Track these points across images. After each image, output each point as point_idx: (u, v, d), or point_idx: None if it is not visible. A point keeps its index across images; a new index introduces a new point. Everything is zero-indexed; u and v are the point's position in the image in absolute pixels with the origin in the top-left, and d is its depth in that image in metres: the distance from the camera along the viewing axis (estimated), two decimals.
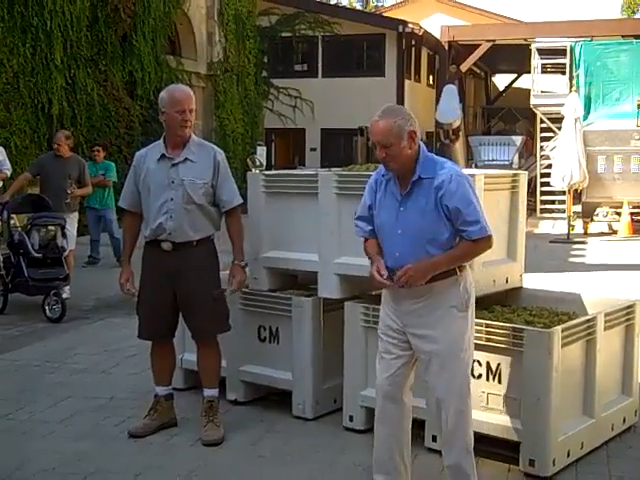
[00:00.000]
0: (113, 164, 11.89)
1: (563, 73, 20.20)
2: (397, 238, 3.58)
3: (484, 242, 3.55)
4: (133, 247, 4.73)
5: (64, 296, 8.11)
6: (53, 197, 8.59)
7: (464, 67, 24.32)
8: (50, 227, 8.25)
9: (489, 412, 4.16)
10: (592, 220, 16.75)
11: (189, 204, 4.49)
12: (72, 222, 8.87)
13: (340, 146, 23.09)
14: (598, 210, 17.06)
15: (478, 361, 4.13)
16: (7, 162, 9.59)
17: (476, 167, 20.44)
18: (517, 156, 22.45)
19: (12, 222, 8.50)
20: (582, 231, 16.26)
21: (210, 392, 4.68)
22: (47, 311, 7.85)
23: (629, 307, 4.66)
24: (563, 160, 15.29)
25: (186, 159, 4.52)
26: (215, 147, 4.70)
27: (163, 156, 4.55)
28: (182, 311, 4.63)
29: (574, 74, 19.30)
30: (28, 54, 13.68)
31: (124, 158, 15.22)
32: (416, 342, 3.61)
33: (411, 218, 3.55)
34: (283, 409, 4.97)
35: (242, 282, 4.68)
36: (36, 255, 8.05)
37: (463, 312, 3.57)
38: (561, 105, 16.56)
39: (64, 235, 8.33)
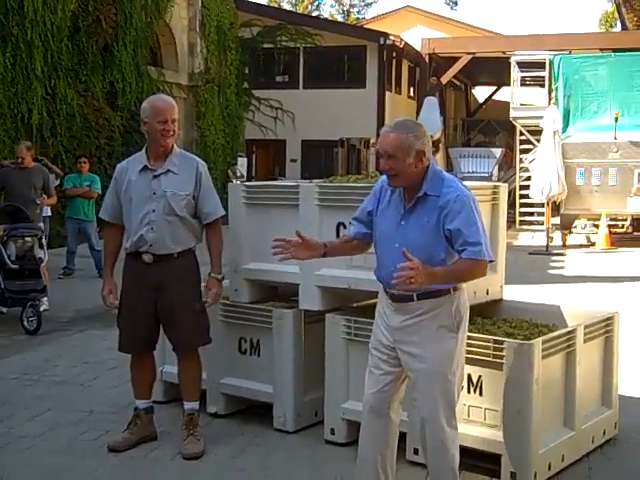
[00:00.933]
0: (97, 177, 11.83)
1: (542, 86, 20.37)
2: (394, 252, 3.49)
3: (480, 264, 3.43)
4: (115, 259, 4.70)
5: (43, 307, 8.05)
6: None
7: (444, 79, 24.46)
8: (27, 238, 8.18)
9: (470, 424, 4.16)
10: (570, 232, 16.87)
11: (170, 216, 4.47)
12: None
13: (321, 157, 23.10)
14: (576, 222, 17.20)
15: None
16: None
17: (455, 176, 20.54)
18: (497, 168, 22.60)
19: None
20: (561, 243, 16.37)
21: (190, 405, 4.64)
22: (25, 322, 7.77)
23: (608, 319, 4.69)
24: (542, 172, 15.40)
25: (168, 170, 4.50)
26: (197, 159, 4.68)
27: (145, 167, 4.53)
28: (163, 323, 4.60)
29: (553, 87, 19.46)
30: (8, 64, 13.60)
31: (104, 169, 15.14)
32: (405, 359, 3.57)
33: (410, 234, 3.49)
34: (264, 422, 4.94)
35: (218, 295, 4.65)
36: (13, 266, 7.97)
37: (453, 332, 3.52)
38: (540, 118, 16.69)
39: (41, 246, 8.27)
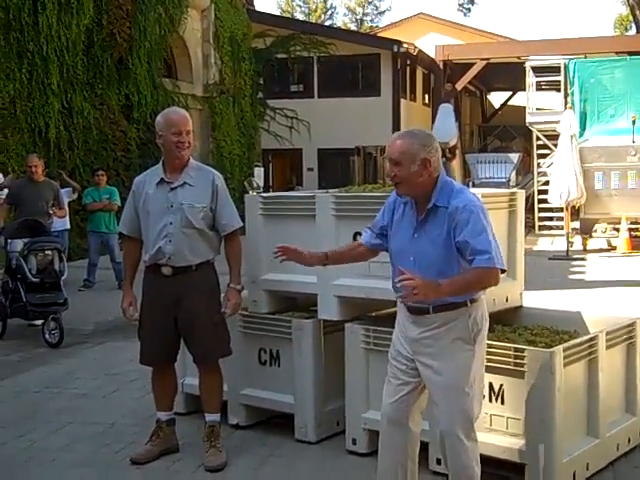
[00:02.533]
0: (116, 189, 11.92)
1: (558, 90, 20.31)
2: (408, 265, 3.47)
3: (489, 273, 3.39)
4: (135, 272, 4.72)
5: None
6: None
7: (459, 85, 24.42)
8: (47, 251, 8.22)
9: (492, 433, 4.13)
10: (591, 236, 16.75)
11: (188, 228, 4.48)
12: None
13: (337, 166, 23.10)
14: (596, 226, 17.07)
15: None
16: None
17: (473, 185, 20.48)
18: (514, 173, 22.50)
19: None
20: (581, 247, 16.26)
21: (212, 417, 4.64)
22: (47, 335, 7.82)
23: (630, 325, 4.64)
24: (560, 177, 15.32)
25: (185, 183, 4.52)
26: (214, 171, 4.69)
27: (162, 180, 4.55)
28: (183, 336, 4.61)
29: (569, 91, 19.39)
30: (24, 79, 13.72)
31: (121, 181, 15.23)
32: (423, 371, 3.56)
33: (424, 247, 3.48)
34: (285, 433, 4.94)
35: (237, 306, 4.65)
36: (34, 280, 8.02)
37: (470, 345, 3.49)
38: (556, 122, 16.62)
39: (61, 259, 8.32)
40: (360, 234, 4.51)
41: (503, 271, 3.49)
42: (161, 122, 4.53)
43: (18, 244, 8.37)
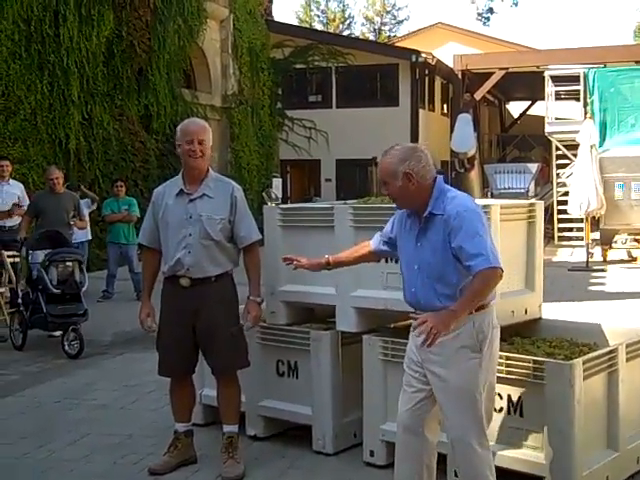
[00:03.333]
0: (135, 200, 11.98)
1: (577, 100, 20.20)
2: (414, 274, 3.59)
3: (489, 274, 3.39)
4: (153, 283, 4.74)
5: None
6: None
7: (478, 95, 24.38)
8: (68, 263, 8.27)
9: (511, 446, 4.11)
10: (611, 247, 16.62)
11: (206, 240, 4.50)
12: None
13: (355, 176, 23.15)
14: (617, 237, 16.94)
15: (499, 394, 4.07)
16: (26, 198, 9.73)
17: (492, 195, 20.43)
18: (533, 184, 22.40)
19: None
20: (601, 259, 16.14)
21: (230, 428, 4.65)
22: (66, 347, 7.86)
23: None
24: (580, 187, 15.22)
25: (204, 195, 4.54)
26: (233, 182, 4.71)
27: (181, 191, 4.57)
28: (201, 347, 4.62)
29: (588, 101, 19.29)
30: (45, 90, 13.84)
31: (140, 192, 15.29)
32: (431, 378, 3.59)
33: (425, 254, 3.56)
34: (303, 444, 4.93)
35: (258, 318, 4.66)
36: (55, 291, 8.06)
37: (476, 353, 3.50)
38: (576, 132, 16.53)
39: (82, 270, 8.37)
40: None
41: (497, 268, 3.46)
42: (178, 132, 4.59)
43: (39, 255, 8.44)
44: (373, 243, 3.99)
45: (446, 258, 3.49)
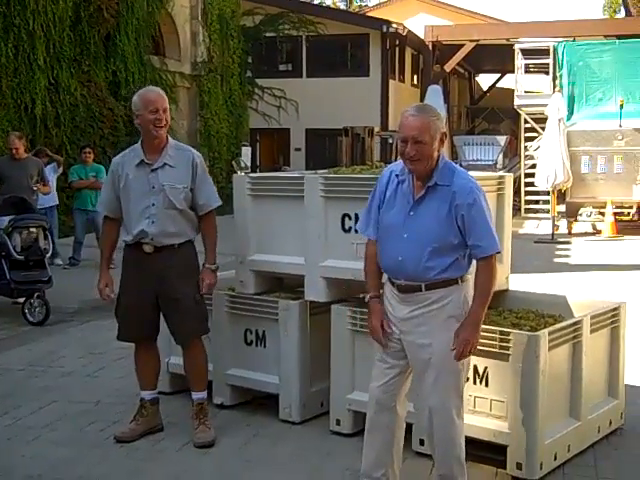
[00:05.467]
0: (102, 167, 11.82)
1: (546, 73, 20.28)
2: (402, 242, 3.52)
3: (492, 263, 3.48)
4: (112, 252, 4.73)
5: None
6: None
7: (448, 67, 24.35)
8: (32, 229, 8.17)
9: (476, 415, 4.16)
10: (576, 220, 16.83)
11: (170, 209, 4.48)
12: None
13: (325, 146, 23.04)
14: (582, 210, 17.15)
15: None
16: None
17: (461, 167, 20.46)
18: (501, 156, 22.51)
19: None
20: (566, 231, 16.34)
21: (199, 395, 4.67)
22: (28, 314, 7.79)
23: (615, 309, 4.68)
24: (547, 160, 15.36)
25: (165, 164, 4.51)
26: (193, 150, 4.68)
27: (142, 162, 4.53)
28: (164, 313, 4.61)
29: (557, 74, 19.38)
30: (10, 54, 13.58)
31: (108, 159, 15.00)
32: (412, 350, 3.57)
33: (420, 223, 3.49)
34: (270, 413, 4.96)
35: (212, 286, 4.64)
36: (18, 257, 7.97)
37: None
38: (545, 105, 16.64)
39: (46, 237, 8.28)
40: (349, 216, 4.55)
41: (497, 253, 3.54)
42: (138, 102, 4.50)
43: (3, 221, 8.32)
44: (370, 234, 3.70)
45: (448, 226, 3.46)
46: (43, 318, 7.75)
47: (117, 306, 4.69)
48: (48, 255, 8.33)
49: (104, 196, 4.74)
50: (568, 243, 15.00)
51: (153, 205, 4.46)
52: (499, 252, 3.50)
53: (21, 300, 8.16)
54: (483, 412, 4.17)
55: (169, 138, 4.59)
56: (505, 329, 4.15)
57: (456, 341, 3.47)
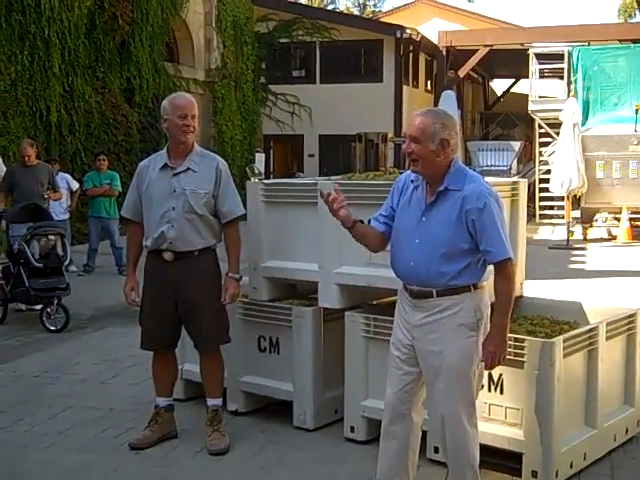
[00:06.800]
0: (117, 174, 11.88)
1: (561, 78, 20.19)
2: (414, 248, 3.51)
3: (510, 270, 3.46)
4: (138, 256, 4.72)
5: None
6: None
7: (462, 72, 24.33)
8: (50, 236, 8.23)
9: (491, 423, 4.14)
10: (591, 226, 16.74)
11: (190, 214, 4.48)
12: None
13: (338, 152, 23.05)
14: (597, 216, 17.05)
15: None
16: (4, 169, 9.65)
17: (477, 173, 20.41)
18: (516, 161, 22.45)
19: None
20: (581, 237, 16.25)
21: (214, 401, 4.67)
22: (46, 322, 7.83)
23: (630, 316, 4.64)
24: (562, 166, 15.29)
25: (188, 169, 4.52)
26: (218, 157, 4.69)
27: (165, 165, 4.55)
28: (183, 321, 4.61)
29: (572, 79, 19.30)
30: (26, 62, 13.68)
31: (122, 166, 15.20)
32: (423, 357, 3.56)
33: (432, 228, 3.49)
34: (284, 420, 4.95)
35: (235, 295, 4.64)
36: (37, 265, 8.01)
37: (473, 331, 3.50)
38: (559, 110, 16.56)
39: (64, 244, 8.32)
40: (362, 223, 4.52)
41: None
42: (167, 106, 4.53)
43: (20, 228, 8.37)
44: (383, 228, 3.71)
45: (458, 231, 3.45)
46: (63, 325, 7.78)
47: (140, 314, 4.70)
48: (66, 262, 8.38)
49: (129, 200, 4.74)
50: (583, 249, 14.92)
51: (173, 209, 4.47)
52: (510, 258, 3.46)
53: (37, 307, 8.20)
54: (498, 419, 4.14)
55: (195, 144, 4.61)
56: (520, 336, 4.13)
57: (484, 353, 3.47)
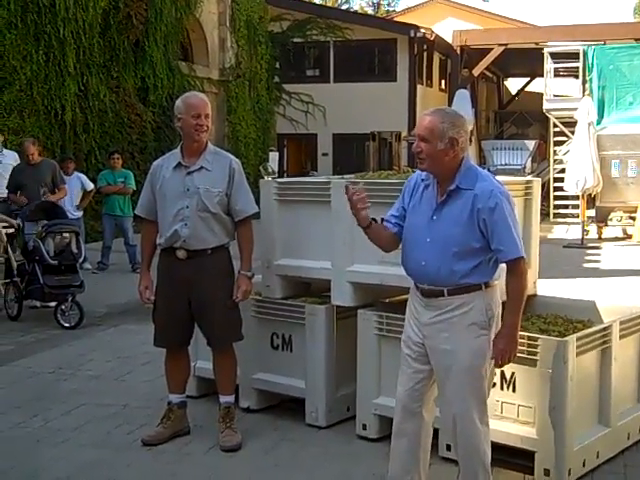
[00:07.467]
0: (131, 172, 11.93)
1: (576, 77, 20.11)
2: (425, 246, 3.52)
3: (522, 269, 3.46)
4: (152, 255, 4.73)
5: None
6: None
7: (476, 71, 24.27)
8: (65, 234, 8.28)
9: (503, 421, 4.13)
10: (606, 225, 16.65)
11: (203, 212, 4.49)
12: None
13: (352, 151, 23.03)
14: (612, 215, 16.96)
15: None
16: None
17: (489, 172, 20.38)
18: (530, 160, 22.37)
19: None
20: (596, 236, 16.17)
21: (227, 398, 4.68)
22: (61, 319, 7.87)
23: None
24: (577, 165, 15.22)
25: (202, 167, 4.54)
26: (231, 156, 4.70)
27: (179, 164, 4.57)
28: (196, 319, 4.63)
29: (587, 78, 19.22)
30: (41, 61, 13.75)
31: (137, 165, 15.25)
32: (434, 355, 3.56)
33: (442, 227, 3.49)
34: (296, 417, 4.96)
35: (247, 292, 4.65)
36: (52, 262, 8.06)
37: (485, 330, 3.49)
38: (574, 109, 16.49)
39: (78, 242, 8.37)
40: (375, 221, 4.52)
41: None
42: (181, 105, 4.55)
43: (34, 226, 8.42)
44: (396, 229, 3.71)
45: (469, 230, 3.44)
46: (77, 322, 7.82)
47: (153, 312, 4.72)
48: (80, 260, 8.42)
49: (143, 198, 4.76)
50: (598, 248, 14.85)
51: (187, 207, 4.49)
52: (521, 257, 3.45)
53: (52, 304, 8.25)
54: (510, 418, 4.13)
55: (209, 143, 4.63)
56: (533, 334, 4.12)
57: (494, 351, 3.46)
